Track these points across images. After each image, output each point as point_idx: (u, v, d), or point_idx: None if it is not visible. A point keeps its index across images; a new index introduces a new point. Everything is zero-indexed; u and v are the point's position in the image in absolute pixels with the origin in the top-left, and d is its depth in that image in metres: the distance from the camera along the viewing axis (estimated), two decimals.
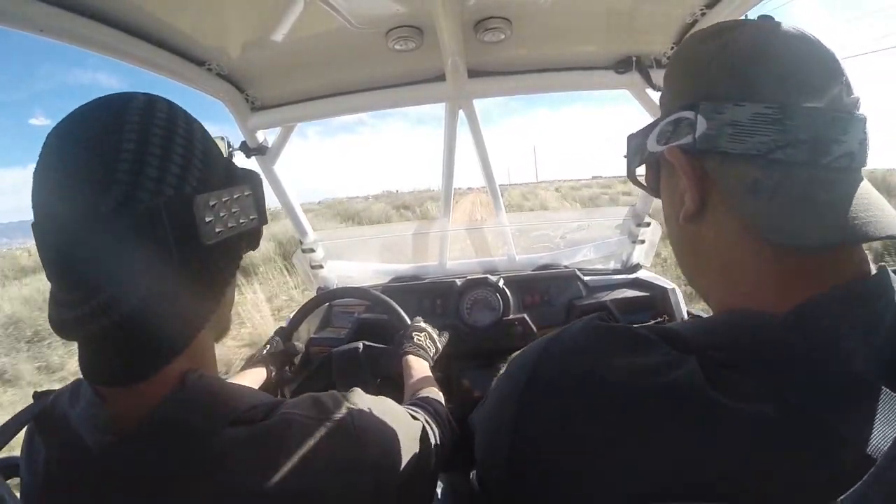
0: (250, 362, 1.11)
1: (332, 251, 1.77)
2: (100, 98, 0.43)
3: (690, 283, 0.48)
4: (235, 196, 0.47)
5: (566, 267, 1.71)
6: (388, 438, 0.54)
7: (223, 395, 0.46)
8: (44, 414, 0.48)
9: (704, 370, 0.34)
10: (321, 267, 1.70)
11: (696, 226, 0.42)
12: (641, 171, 0.51)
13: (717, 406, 0.33)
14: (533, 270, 1.69)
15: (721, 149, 0.38)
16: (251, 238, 0.51)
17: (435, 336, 1.10)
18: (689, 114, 0.40)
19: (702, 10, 0.94)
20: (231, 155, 1.30)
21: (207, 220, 0.43)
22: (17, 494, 0.49)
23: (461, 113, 1.37)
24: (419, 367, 0.96)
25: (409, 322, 1.14)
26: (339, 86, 1.25)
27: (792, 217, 0.36)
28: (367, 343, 1.13)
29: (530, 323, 1.48)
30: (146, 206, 0.40)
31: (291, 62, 1.11)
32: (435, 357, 1.05)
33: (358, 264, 1.89)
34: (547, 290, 1.58)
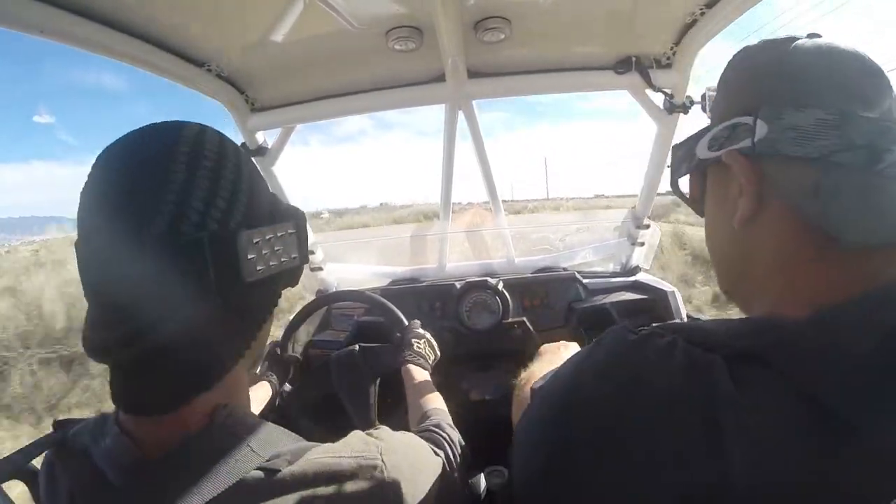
0: (252, 380, 1.11)
1: (332, 254, 1.77)
2: (154, 124, 0.43)
3: (732, 288, 0.49)
4: (279, 234, 0.46)
5: (565, 269, 1.70)
6: (417, 479, 0.52)
7: (254, 434, 0.45)
8: (63, 444, 0.47)
9: (730, 371, 0.36)
10: (320, 269, 1.70)
11: (750, 229, 0.43)
12: (684, 183, 0.52)
13: (744, 410, 0.34)
14: (532, 273, 1.69)
15: (782, 151, 0.39)
16: (290, 276, 0.51)
17: (433, 342, 1.10)
18: (747, 119, 0.41)
19: (701, 9, 0.95)
20: None
21: (250, 256, 0.43)
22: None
23: (461, 115, 1.36)
24: (421, 378, 0.96)
25: (405, 322, 1.13)
26: (338, 87, 1.25)
27: (856, 217, 0.38)
28: (363, 345, 1.13)
29: (529, 326, 1.48)
30: (189, 238, 0.39)
31: (291, 63, 1.11)
32: (434, 363, 1.05)
33: (357, 267, 1.89)
34: (546, 292, 1.58)
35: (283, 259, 0.47)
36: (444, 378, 1.47)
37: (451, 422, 0.79)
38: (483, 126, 1.43)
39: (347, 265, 1.86)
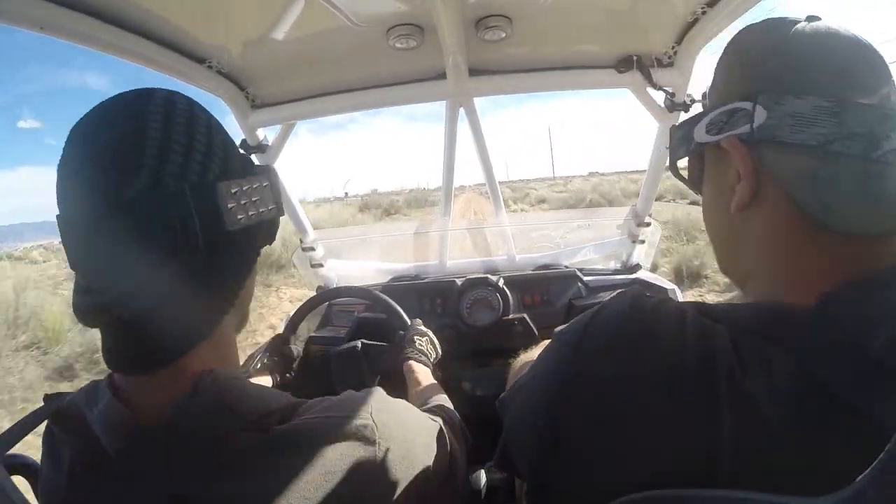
0: (250, 361, 1.12)
1: (333, 250, 1.77)
2: (121, 93, 0.44)
3: (728, 272, 0.50)
4: (255, 185, 0.48)
5: (566, 267, 1.70)
6: (408, 438, 0.53)
7: (239, 398, 0.46)
8: (60, 414, 0.48)
9: (735, 345, 0.37)
10: (321, 266, 1.70)
11: (747, 215, 0.44)
12: (682, 163, 0.52)
13: (744, 387, 0.34)
14: (533, 270, 1.69)
15: (780, 138, 0.39)
16: (269, 229, 0.52)
17: (435, 340, 1.10)
18: (746, 104, 0.41)
19: (703, 8, 0.94)
20: None
21: (230, 205, 0.44)
22: (28, 495, 0.49)
23: (461, 111, 1.36)
24: (424, 374, 0.96)
25: (408, 321, 1.13)
26: (339, 84, 1.25)
27: (853, 205, 0.38)
28: (364, 341, 1.13)
29: (530, 323, 1.48)
30: (172, 190, 0.41)
31: (292, 60, 1.11)
32: (435, 361, 1.06)
33: (358, 263, 1.89)
34: (547, 290, 1.58)
35: (261, 209, 0.48)
36: (444, 375, 1.48)
37: (452, 408, 0.80)
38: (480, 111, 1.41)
39: (348, 262, 1.86)
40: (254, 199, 0.47)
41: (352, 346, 1.12)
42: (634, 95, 1.24)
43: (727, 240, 0.48)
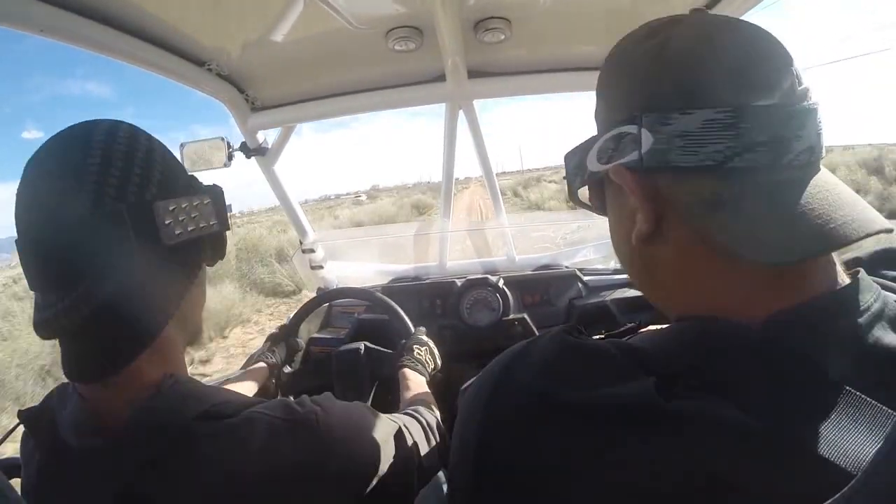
0: (251, 360, 1.12)
1: (333, 251, 1.77)
2: (74, 125, 0.49)
3: (646, 294, 0.45)
4: (195, 203, 0.52)
5: (566, 267, 1.70)
6: (355, 439, 0.56)
7: (196, 395, 0.49)
8: (33, 416, 0.52)
9: (663, 381, 0.32)
10: (321, 267, 1.70)
11: (652, 245, 0.39)
12: (586, 191, 0.47)
13: (671, 418, 0.30)
14: (533, 270, 1.69)
15: (672, 163, 0.35)
16: (215, 245, 0.56)
17: (436, 351, 1.10)
18: (631, 128, 0.36)
19: (702, 9, 0.94)
20: (230, 156, 1.30)
21: (167, 222, 0.48)
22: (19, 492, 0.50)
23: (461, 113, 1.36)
24: (415, 382, 0.96)
25: (412, 329, 1.13)
26: (339, 86, 1.25)
27: (763, 231, 0.33)
28: (368, 345, 1.13)
29: (530, 323, 1.48)
30: (110, 209, 0.45)
31: (291, 63, 1.11)
32: (432, 373, 1.06)
33: (358, 265, 1.89)
34: (547, 290, 1.58)
35: (201, 224, 0.52)
36: (444, 375, 1.48)
37: (436, 413, 0.80)
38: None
39: (348, 263, 1.86)
40: (193, 215, 0.51)
41: (355, 348, 1.12)
42: None
43: (636, 268, 0.44)
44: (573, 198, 0.49)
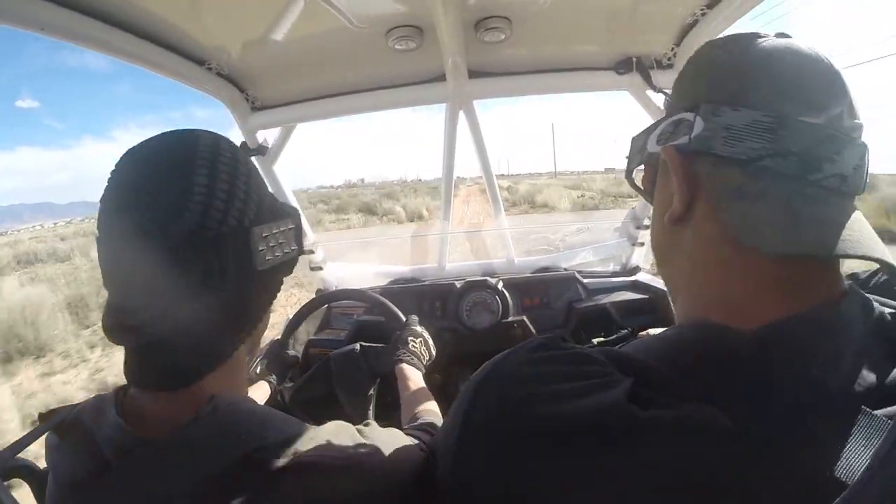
0: (254, 376, 1.11)
1: (332, 253, 1.77)
2: (174, 132, 0.49)
3: (664, 279, 0.48)
4: (282, 229, 0.53)
5: (565, 269, 1.70)
6: (394, 475, 0.54)
7: (240, 423, 0.47)
8: (65, 426, 0.50)
9: (643, 388, 0.33)
10: (320, 269, 1.70)
11: (680, 228, 0.42)
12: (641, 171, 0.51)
13: (648, 429, 0.31)
14: (532, 273, 1.69)
15: (714, 151, 0.38)
16: (290, 266, 0.57)
17: (430, 341, 1.10)
18: (689, 115, 0.40)
19: (702, 10, 0.95)
20: None
21: (260, 248, 0.49)
22: (30, 498, 0.50)
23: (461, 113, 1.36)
24: (414, 378, 0.96)
25: (403, 319, 1.13)
26: (339, 86, 1.25)
27: (771, 224, 0.36)
28: (363, 344, 1.13)
29: (529, 325, 1.48)
30: (214, 233, 0.44)
31: (292, 62, 1.11)
32: (428, 364, 1.06)
33: (357, 266, 1.89)
34: (546, 292, 1.58)
35: (285, 250, 0.53)
36: (444, 378, 1.47)
37: (441, 420, 0.80)
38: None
39: (348, 265, 1.86)
40: (280, 241, 0.52)
41: (350, 349, 1.12)
42: (634, 97, 1.24)
43: (661, 249, 0.47)
44: (628, 177, 0.53)
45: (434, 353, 1.09)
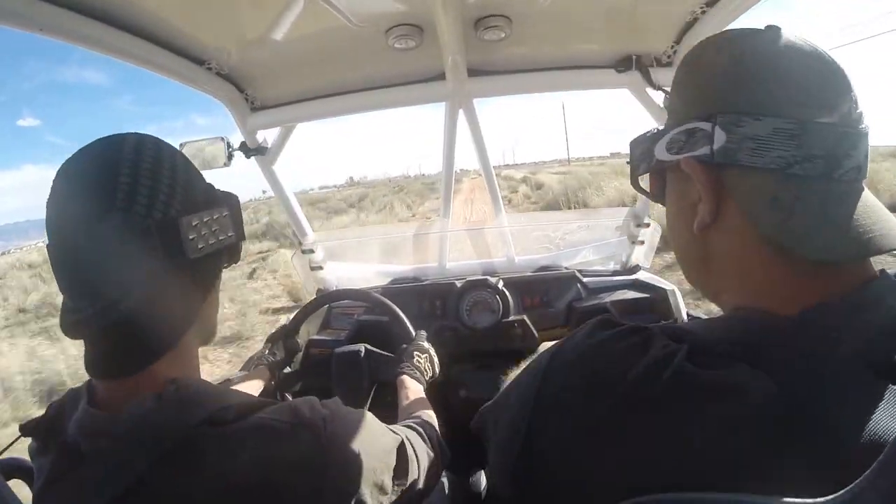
0: (251, 363, 1.12)
1: (332, 252, 1.76)
2: (101, 139, 0.51)
3: (697, 287, 0.49)
4: (215, 216, 0.54)
5: (566, 268, 1.70)
6: (357, 447, 0.56)
7: (198, 400, 0.50)
8: (39, 426, 0.54)
9: (698, 356, 0.37)
10: (321, 268, 1.69)
11: (709, 234, 0.43)
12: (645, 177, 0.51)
13: (707, 385, 0.35)
14: (532, 272, 1.69)
15: (741, 162, 0.39)
16: (231, 252, 0.59)
17: (435, 359, 1.10)
18: (705, 125, 0.40)
19: (702, 8, 0.94)
20: (230, 156, 1.30)
21: (191, 237, 0.51)
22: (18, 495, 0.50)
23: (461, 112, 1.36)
24: (414, 390, 0.97)
25: (413, 334, 1.13)
26: (338, 85, 1.25)
27: (815, 233, 0.37)
28: (369, 347, 1.13)
29: (530, 324, 1.48)
30: (140, 227, 0.48)
31: (291, 61, 1.11)
32: (431, 380, 1.06)
33: (358, 265, 1.89)
34: (546, 291, 1.57)
35: (220, 237, 0.55)
36: (444, 377, 1.47)
37: (435, 425, 0.82)
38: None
39: (348, 264, 1.86)
40: (214, 229, 0.54)
41: (355, 350, 1.12)
42: (633, 95, 1.24)
43: (691, 257, 0.48)
44: (634, 183, 0.53)
45: (438, 371, 1.10)
